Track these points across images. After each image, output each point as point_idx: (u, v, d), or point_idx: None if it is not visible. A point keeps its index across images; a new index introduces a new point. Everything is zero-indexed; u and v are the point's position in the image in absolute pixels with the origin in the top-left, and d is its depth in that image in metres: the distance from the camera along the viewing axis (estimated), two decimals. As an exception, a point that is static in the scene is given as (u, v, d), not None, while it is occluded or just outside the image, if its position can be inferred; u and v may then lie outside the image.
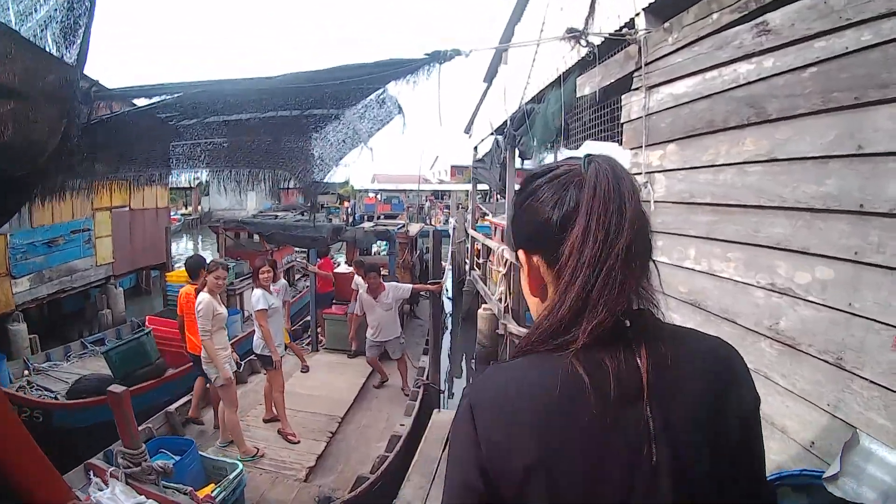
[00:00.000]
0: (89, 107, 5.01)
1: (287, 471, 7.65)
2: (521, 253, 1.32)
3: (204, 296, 7.33)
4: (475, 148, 19.87)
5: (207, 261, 8.44)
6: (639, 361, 1.12)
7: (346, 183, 58.50)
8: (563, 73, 7.89)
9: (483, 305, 14.73)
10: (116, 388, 5.46)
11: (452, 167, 73.82)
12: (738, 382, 1.23)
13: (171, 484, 5.92)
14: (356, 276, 11.12)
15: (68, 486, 4.03)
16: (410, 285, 10.55)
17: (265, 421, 9.00)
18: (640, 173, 5.22)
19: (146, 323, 12.77)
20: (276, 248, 16.81)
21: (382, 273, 10.60)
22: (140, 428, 7.38)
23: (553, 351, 1.14)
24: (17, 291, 13.81)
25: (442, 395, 10.93)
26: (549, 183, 1.23)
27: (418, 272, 18.58)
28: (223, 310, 7.58)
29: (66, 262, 15.94)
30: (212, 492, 5.95)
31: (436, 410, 8.69)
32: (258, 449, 7.98)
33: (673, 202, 4.78)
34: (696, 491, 1.10)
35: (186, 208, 56.86)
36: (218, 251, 15.17)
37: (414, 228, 18.99)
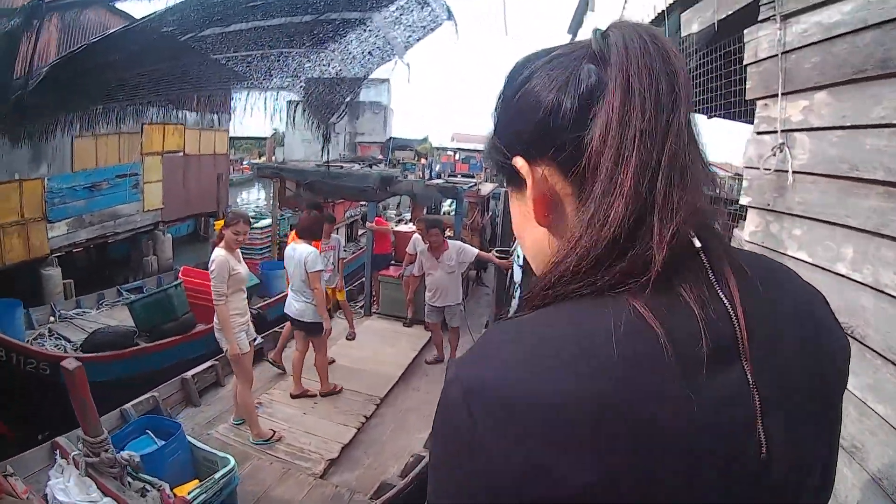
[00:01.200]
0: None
1: (303, 462, 6.46)
2: (519, 164, 0.88)
3: (219, 252, 6.21)
4: None
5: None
6: (726, 302, 0.77)
7: (425, 140, 57.93)
8: (667, 7, 6.50)
9: None
10: (70, 363, 4.49)
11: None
12: (842, 347, 0.91)
13: (145, 477, 4.87)
14: (415, 236, 10.04)
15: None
16: (476, 250, 9.27)
17: (293, 397, 7.94)
18: (774, 131, 3.64)
19: (180, 273, 11.92)
20: (333, 200, 15.95)
21: (447, 235, 9.48)
22: (145, 397, 7.06)
23: (595, 294, 0.77)
24: (52, 236, 13.40)
25: None
26: (549, 63, 0.86)
27: (488, 236, 17.23)
28: (242, 269, 6.42)
29: (110, 206, 15.47)
30: (188, 493, 4.75)
31: None
32: (274, 432, 6.86)
33: (822, 174, 3.11)
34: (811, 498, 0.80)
35: (260, 158, 56.40)
36: (274, 200, 14.01)
37: (487, 188, 17.68)
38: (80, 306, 12.35)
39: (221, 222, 15.16)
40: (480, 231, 15.72)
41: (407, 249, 10.06)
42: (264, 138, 53.59)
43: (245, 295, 6.63)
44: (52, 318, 11.45)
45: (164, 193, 17.87)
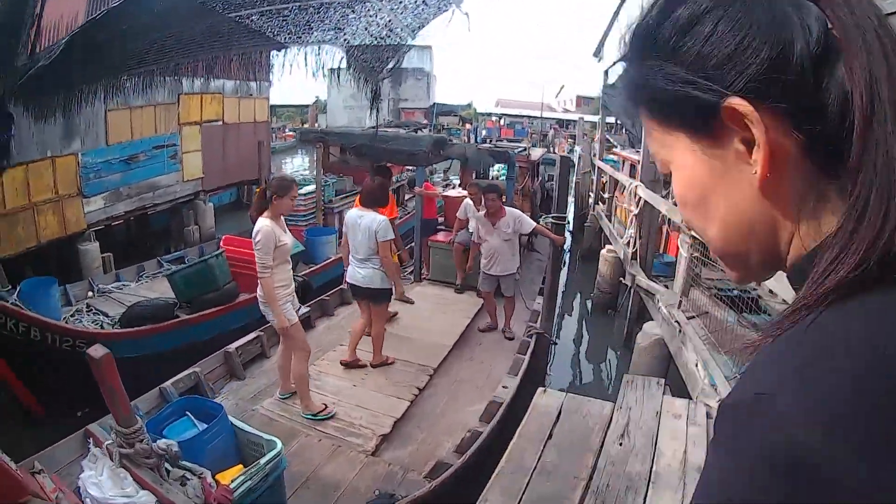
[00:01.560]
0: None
1: (353, 438, 6.08)
2: (741, 106, 0.68)
3: (264, 223, 5.85)
4: (605, 72, 17.71)
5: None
6: None
7: (469, 105, 57.77)
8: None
9: (607, 246, 13.21)
10: (96, 350, 3.97)
11: (578, 97, 71.55)
12: None
13: (185, 464, 4.44)
14: (466, 201, 9.73)
15: (22, 483, 3.39)
16: (533, 222, 8.85)
17: (343, 364, 7.62)
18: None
19: (222, 242, 11.60)
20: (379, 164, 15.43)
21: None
22: (186, 373, 6.81)
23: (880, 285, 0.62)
24: (89, 211, 13.22)
25: (553, 348, 9.43)
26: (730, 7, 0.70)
27: (539, 201, 16.99)
28: (288, 239, 6.12)
29: (148, 178, 15.25)
30: (232, 481, 4.33)
31: (540, 391, 6.16)
32: (326, 406, 6.49)
33: None
34: None
35: (303, 125, 56.41)
36: (318, 166, 13.59)
37: (537, 153, 17.22)
38: (120, 280, 12.13)
39: (259, 190, 14.99)
40: (531, 196, 15.26)
41: (458, 214, 9.80)
42: (307, 106, 53.75)
43: (290, 265, 6.33)
44: (90, 294, 11.22)
45: (204, 163, 17.65)
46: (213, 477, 4.43)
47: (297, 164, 41.36)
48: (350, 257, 7.33)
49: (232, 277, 10.04)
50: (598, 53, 18.43)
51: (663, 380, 6.36)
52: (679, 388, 6.89)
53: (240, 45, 7.90)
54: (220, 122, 18.61)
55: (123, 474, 4.12)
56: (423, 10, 6.37)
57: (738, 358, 5.71)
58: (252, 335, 8.01)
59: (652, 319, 9.04)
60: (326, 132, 13.63)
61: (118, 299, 10.87)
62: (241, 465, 4.72)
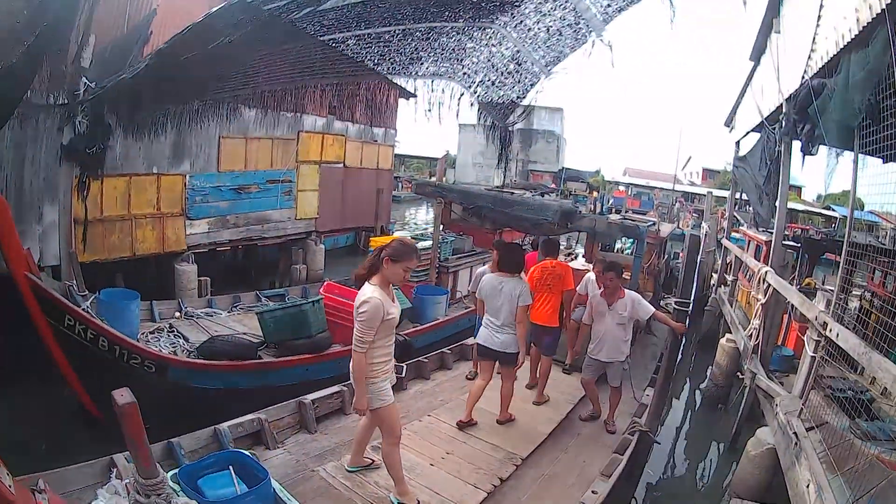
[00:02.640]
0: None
1: None
2: None
3: (372, 292, 4.92)
4: (737, 143, 16.64)
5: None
6: None
7: (597, 172, 57.19)
8: (871, 20, 5.63)
9: (727, 335, 11.86)
10: (122, 395, 3.71)
11: (704, 170, 70.02)
12: None
13: None
14: (589, 275, 9.07)
15: (10, 499, 3.05)
16: (653, 308, 7.87)
17: (460, 425, 7.31)
18: None
19: (322, 289, 11.02)
20: (500, 229, 14.77)
21: (623, 277, 8.23)
22: (249, 417, 6.29)
23: None
24: (191, 232, 13.29)
25: (654, 449, 8.34)
26: None
27: (662, 280, 15.92)
28: (395, 311, 5.15)
29: (258, 210, 15.24)
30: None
31: None
32: (419, 503, 5.46)
33: None
34: None
35: (431, 177, 56.57)
36: (436, 222, 12.83)
37: (666, 229, 16.23)
38: (212, 306, 11.82)
39: (378, 240, 14.55)
40: (656, 275, 14.23)
41: (578, 289, 8.93)
42: (437, 158, 54.27)
43: (393, 337, 5.38)
44: (177, 314, 10.99)
45: (320, 203, 17.62)
46: None
47: (420, 218, 39.91)
48: (484, 320, 7.28)
49: (327, 327, 9.60)
50: (729, 123, 17.45)
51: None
52: (784, 507, 5.88)
53: (335, 73, 7.30)
54: (342, 165, 18.55)
55: None
56: (557, 41, 5.57)
57: (854, 483, 4.86)
58: (334, 388, 7.39)
59: (764, 423, 7.96)
60: (445, 187, 12.89)
61: (204, 326, 10.53)
62: None
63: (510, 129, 10.66)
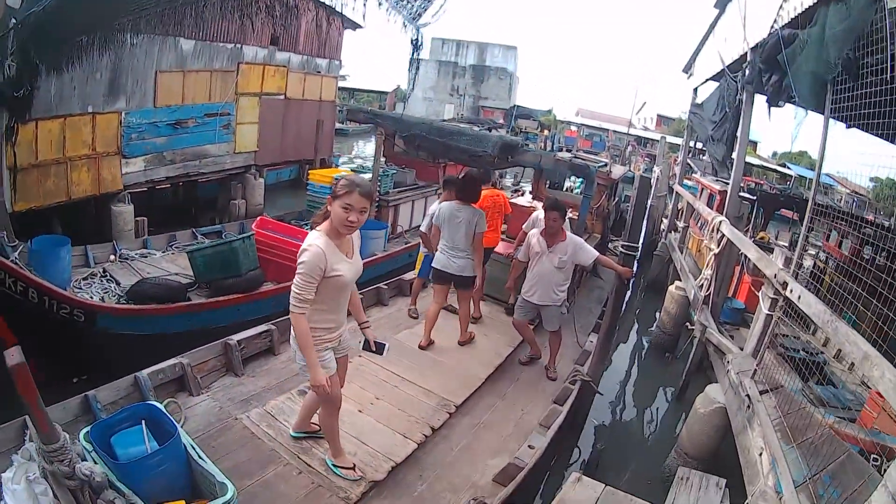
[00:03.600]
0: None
1: (339, 479, 5.03)
2: None
3: (314, 239, 4.21)
4: (695, 90, 16.59)
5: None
6: None
7: (549, 111, 56.93)
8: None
9: (676, 282, 11.98)
10: (12, 355, 3.32)
11: (658, 116, 69.97)
12: None
13: (119, 488, 3.76)
14: (536, 214, 9.18)
15: None
16: (596, 252, 7.66)
17: (422, 348, 7.87)
18: None
19: (253, 225, 10.85)
20: (444, 161, 14.97)
21: (570, 217, 8.46)
22: (171, 363, 6.09)
23: None
24: (127, 171, 12.90)
25: (597, 397, 8.18)
26: None
27: (611, 223, 15.79)
28: (345, 269, 4.36)
29: (195, 146, 14.81)
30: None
31: (573, 478, 5.09)
32: (355, 467, 5.17)
33: None
34: None
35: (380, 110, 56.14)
36: (377, 153, 12.43)
37: (618, 171, 16.08)
38: (147, 247, 11.57)
39: (318, 172, 14.30)
40: (605, 217, 14.21)
41: (524, 227, 8.97)
42: (387, 92, 53.53)
43: (346, 300, 4.71)
44: (111, 257, 10.70)
45: (260, 136, 17.22)
46: None
47: (369, 152, 37.18)
48: (441, 246, 7.78)
49: (259, 264, 9.42)
50: (687, 69, 17.36)
51: (724, 482, 5.43)
52: (730, 470, 5.87)
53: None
54: (283, 97, 18.09)
55: (42, 488, 3.68)
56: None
57: (810, 457, 4.82)
58: (261, 328, 7.16)
59: (713, 376, 8.14)
60: (377, 113, 12.31)
61: (137, 269, 10.29)
62: (182, 502, 3.89)
63: (419, 30, 10.56)
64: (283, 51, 17.47)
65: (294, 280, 4.17)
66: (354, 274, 4.51)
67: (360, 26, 20.70)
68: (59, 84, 10.47)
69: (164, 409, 4.60)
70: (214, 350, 6.60)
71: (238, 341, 6.74)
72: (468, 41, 58.15)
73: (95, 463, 3.85)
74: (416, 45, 10.31)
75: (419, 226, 9.78)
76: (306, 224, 11.77)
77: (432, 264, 8.01)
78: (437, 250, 7.93)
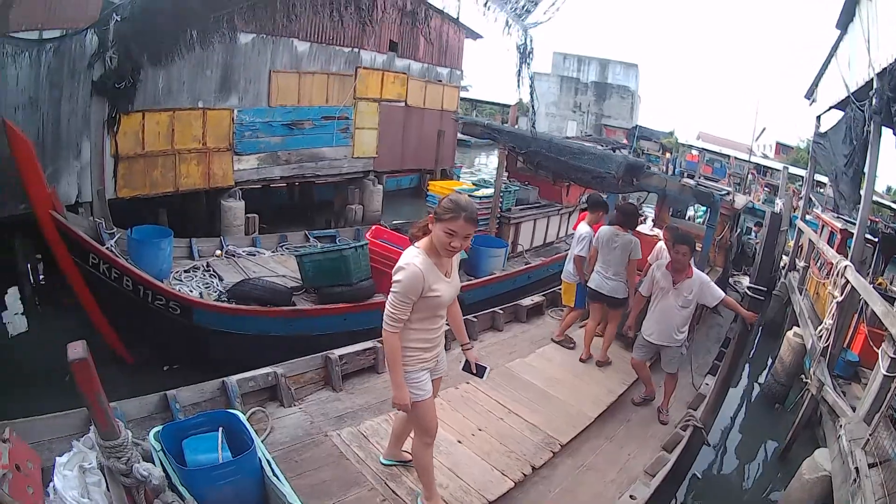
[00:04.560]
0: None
1: None
2: None
3: (413, 256, 3.84)
4: (818, 118, 15.15)
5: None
6: None
7: (671, 133, 55.63)
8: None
9: (794, 328, 10.83)
10: (76, 349, 3.12)
11: (777, 144, 67.16)
12: None
13: (182, 491, 3.59)
14: (661, 245, 8.52)
15: None
16: (722, 293, 6.98)
17: (582, 361, 8.03)
18: None
19: (367, 234, 10.45)
20: (559, 180, 13.76)
21: (695, 249, 7.46)
22: (263, 371, 5.78)
23: None
24: (240, 168, 13.09)
25: (706, 448, 7.40)
26: None
27: (733, 256, 14.64)
28: (444, 289, 3.97)
29: (312, 147, 14.90)
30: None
31: None
32: None
33: None
34: None
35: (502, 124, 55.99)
36: (499, 168, 12.18)
37: (740, 200, 15.10)
38: (256, 245, 11.48)
39: (438, 184, 13.97)
40: (727, 250, 13.26)
41: (649, 258, 8.42)
42: (510, 105, 53.25)
43: (442, 320, 4.26)
44: (217, 253, 10.67)
45: (379, 142, 17.18)
46: None
47: (493, 165, 35.52)
48: (597, 268, 7.87)
49: (371, 275, 9.07)
50: (809, 95, 16.20)
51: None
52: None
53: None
54: (403, 104, 17.99)
55: (96, 479, 3.50)
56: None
57: None
58: (366, 344, 6.80)
59: (823, 439, 7.42)
60: (494, 127, 11.80)
61: (243, 266, 10.17)
62: None
63: (527, 31, 9.95)
64: (403, 58, 17.43)
65: (389, 298, 3.85)
66: (452, 294, 4.15)
67: (479, 36, 20.50)
68: (167, 78, 10.74)
69: (244, 420, 4.27)
70: (313, 363, 6.31)
71: (340, 356, 6.42)
72: (589, 57, 57.16)
73: (161, 463, 3.72)
74: (523, 52, 9.67)
75: (541, 245, 9.26)
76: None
77: (588, 284, 8.05)
78: (588, 273, 8.06)
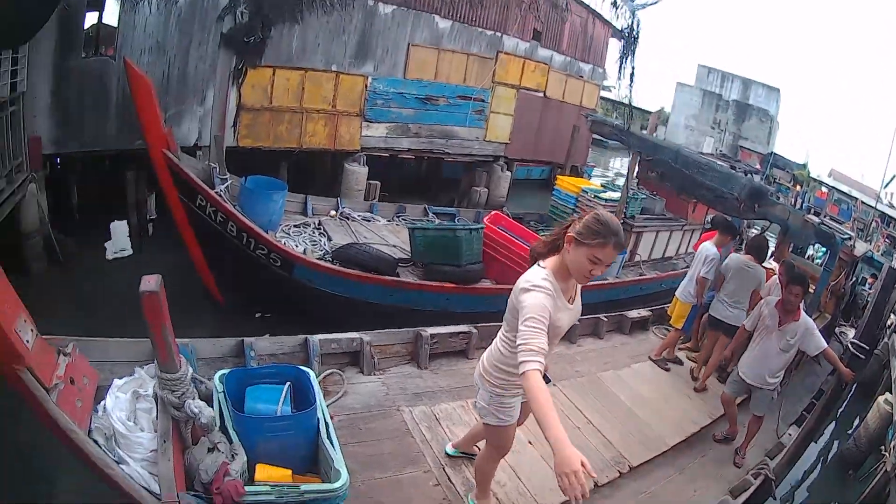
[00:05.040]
0: None
1: None
2: None
3: (541, 279, 3.22)
4: None
5: None
6: None
7: (804, 166, 53.37)
8: None
9: (887, 394, 10.10)
10: (149, 280, 3.14)
11: (904, 192, 63.05)
12: None
13: (232, 435, 3.61)
14: (775, 280, 7.88)
15: (17, 351, 2.73)
16: (825, 344, 6.47)
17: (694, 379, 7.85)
18: None
19: (486, 218, 10.24)
20: (681, 194, 13.03)
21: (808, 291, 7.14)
22: (349, 336, 5.75)
23: None
24: (367, 135, 13.37)
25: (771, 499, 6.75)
26: None
27: (844, 304, 13.65)
28: (567, 317, 3.42)
29: (444, 124, 14.94)
30: (259, 484, 3.39)
31: None
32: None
33: None
34: None
35: (641, 130, 54.76)
36: (628, 174, 11.46)
37: (861, 247, 14.16)
38: (373, 212, 11.56)
39: (566, 179, 13.68)
40: (838, 297, 12.52)
41: (760, 291, 7.81)
42: (650, 112, 52.06)
43: (554, 348, 3.74)
44: (331, 213, 10.81)
45: (513, 129, 16.98)
46: (252, 465, 3.55)
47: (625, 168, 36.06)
48: (721, 296, 7.65)
49: (481, 259, 8.96)
50: None
51: None
52: None
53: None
54: (542, 94, 17.70)
55: (147, 406, 3.61)
56: None
57: None
58: (461, 328, 6.59)
59: None
60: (623, 130, 11.19)
61: (355, 230, 10.25)
62: (289, 472, 3.64)
63: (635, 13, 9.46)
64: (546, 48, 17.15)
65: (520, 329, 3.05)
66: (572, 322, 3.60)
67: (624, 35, 20.04)
68: (302, 38, 11.13)
69: (314, 379, 4.21)
70: (404, 336, 6.24)
71: (432, 334, 6.29)
72: (733, 74, 55.19)
73: (220, 405, 3.81)
74: (628, 36, 9.21)
75: (660, 258, 8.93)
76: (543, 229, 11.09)
77: (710, 312, 7.85)
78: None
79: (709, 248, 7.69)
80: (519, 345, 2.99)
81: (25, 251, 8.25)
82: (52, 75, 8.65)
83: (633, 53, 10.26)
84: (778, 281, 7.53)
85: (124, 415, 3.39)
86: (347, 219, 10.69)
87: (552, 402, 2.91)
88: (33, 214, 8.31)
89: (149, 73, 7.35)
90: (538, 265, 3.36)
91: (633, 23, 9.90)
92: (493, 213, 10.75)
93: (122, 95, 9.30)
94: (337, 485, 3.38)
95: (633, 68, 10.31)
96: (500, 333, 3.62)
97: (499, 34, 15.21)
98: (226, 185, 8.37)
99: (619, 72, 10.41)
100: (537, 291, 3.13)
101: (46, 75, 8.58)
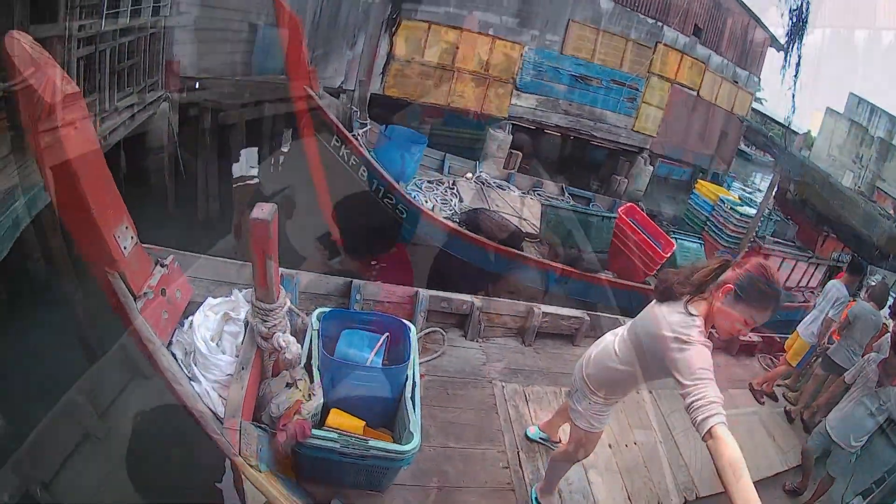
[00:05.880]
0: None
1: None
2: None
3: (700, 331, 2.83)
4: None
5: None
6: None
7: None
8: None
9: None
10: (262, 208, 3.06)
11: None
12: None
13: (315, 375, 3.60)
14: (886, 336, 7.27)
15: (113, 256, 2.79)
16: None
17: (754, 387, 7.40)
18: None
19: (621, 209, 9.97)
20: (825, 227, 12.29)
21: None
22: (463, 297, 5.64)
23: None
24: (516, 104, 13.34)
25: None
26: None
27: None
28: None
29: (594, 106, 14.66)
30: (328, 429, 3.39)
31: None
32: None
33: None
34: None
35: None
36: (768, 192, 11.02)
37: None
38: (510, 181, 11.73)
39: (706, 185, 13.24)
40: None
41: (874, 345, 7.34)
42: (798, 133, 49.89)
43: None
44: (468, 175, 11.04)
45: (662, 123, 16.43)
46: (327, 409, 3.57)
47: (764, 185, 32.47)
48: (843, 343, 7.22)
49: (608, 249, 8.86)
50: None
51: None
52: None
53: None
54: (695, 93, 17.09)
55: (236, 330, 3.57)
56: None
57: None
58: (575, 312, 6.33)
59: None
60: (777, 143, 10.84)
61: (487, 196, 10.33)
62: (362, 423, 3.64)
63: None
64: (705, 46, 16.54)
65: (693, 385, 2.70)
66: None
67: (783, 47, 19.16)
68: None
69: (414, 335, 4.13)
70: (516, 308, 6.05)
71: (545, 313, 6.08)
72: (882, 109, 51.80)
73: (311, 342, 3.81)
74: (797, 20, 8.62)
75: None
76: (676, 232, 10.70)
77: (830, 354, 7.26)
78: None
79: (840, 288, 7.25)
80: (695, 401, 2.70)
81: (149, 165, 8.57)
82: (199, 4, 8.99)
83: (801, 39, 9.73)
84: (889, 340, 6.73)
85: (209, 334, 3.41)
86: (483, 184, 10.71)
87: (744, 465, 2.61)
88: (161, 131, 8.59)
89: (298, 11, 7.53)
90: (688, 311, 2.90)
91: (802, 5, 9.37)
92: (629, 204, 10.50)
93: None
94: (407, 447, 3.31)
95: (794, 84, 9.78)
96: (615, 349, 3.36)
97: (660, 24, 14.76)
98: (364, 129, 8.50)
99: (785, 60, 9.90)
100: (703, 347, 2.75)
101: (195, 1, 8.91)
